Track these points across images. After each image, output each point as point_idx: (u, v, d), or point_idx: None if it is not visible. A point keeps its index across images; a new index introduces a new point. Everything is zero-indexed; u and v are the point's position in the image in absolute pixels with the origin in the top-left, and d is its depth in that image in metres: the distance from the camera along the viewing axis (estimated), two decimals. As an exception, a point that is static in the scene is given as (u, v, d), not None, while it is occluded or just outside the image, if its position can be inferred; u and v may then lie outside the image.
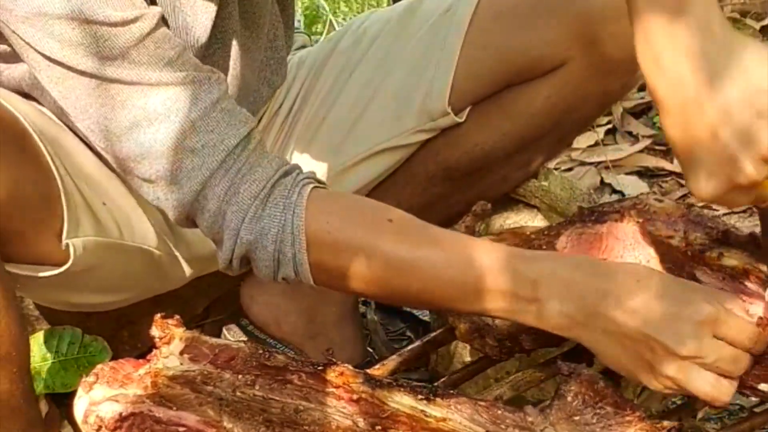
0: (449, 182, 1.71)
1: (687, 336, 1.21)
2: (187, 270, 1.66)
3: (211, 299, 1.95)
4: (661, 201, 1.55)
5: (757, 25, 2.82)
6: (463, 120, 1.67)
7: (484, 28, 1.65)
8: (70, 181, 1.43)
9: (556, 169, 2.44)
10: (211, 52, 1.49)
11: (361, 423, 1.24)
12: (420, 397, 1.26)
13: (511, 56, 1.64)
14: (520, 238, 1.56)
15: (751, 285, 1.44)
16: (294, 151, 1.74)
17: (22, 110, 1.41)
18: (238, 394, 1.25)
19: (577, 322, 1.26)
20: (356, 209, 1.39)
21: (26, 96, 1.53)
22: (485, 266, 1.29)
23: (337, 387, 1.26)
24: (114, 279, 1.57)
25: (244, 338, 1.78)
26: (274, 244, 1.34)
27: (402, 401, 1.25)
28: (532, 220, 1.81)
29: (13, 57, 1.42)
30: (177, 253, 1.63)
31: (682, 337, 1.21)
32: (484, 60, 1.65)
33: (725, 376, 1.23)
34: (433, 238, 1.33)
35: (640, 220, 1.52)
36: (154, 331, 1.28)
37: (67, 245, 1.41)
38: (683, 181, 2.40)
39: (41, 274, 1.41)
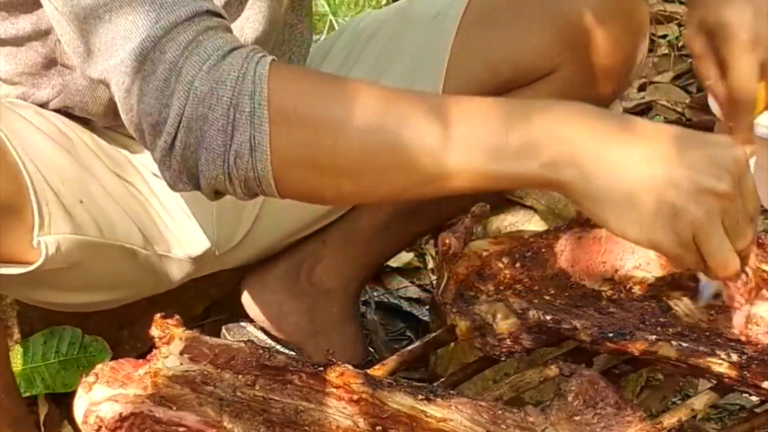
0: None
1: (720, 170, 1.14)
2: (179, 272, 1.65)
3: (211, 299, 1.95)
4: (660, 203, 1.55)
5: (757, 26, 2.82)
6: None
7: (472, 35, 1.64)
8: (40, 179, 1.40)
9: (556, 169, 2.44)
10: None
11: (362, 423, 1.24)
12: (420, 397, 1.26)
13: (500, 64, 1.63)
14: (519, 242, 1.56)
15: (752, 285, 1.44)
16: None
17: None
18: (239, 394, 1.25)
19: (587, 171, 1.14)
20: (320, 72, 1.31)
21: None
22: (475, 115, 1.17)
23: (338, 387, 1.26)
24: (98, 278, 1.55)
25: (244, 338, 1.78)
26: (232, 93, 1.18)
27: (402, 401, 1.25)
28: (528, 222, 1.81)
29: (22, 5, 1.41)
30: (169, 255, 1.62)
31: (717, 170, 1.14)
32: (472, 68, 1.64)
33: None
34: (416, 93, 1.22)
35: (640, 222, 1.53)
36: (154, 331, 1.28)
37: (39, 243, 1.38)
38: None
39: (3, 271, 1.38)
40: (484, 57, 1.63)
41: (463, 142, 1.16)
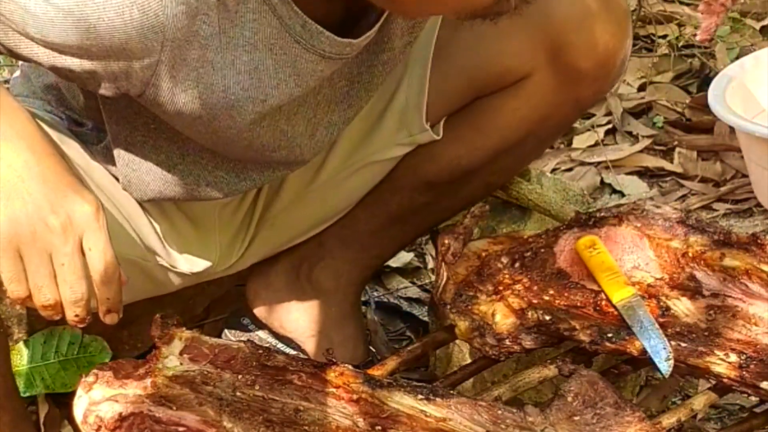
0: (433, 191, 1.71)
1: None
2: (178, 282, 1.65)
3: (211, 299, 1.95)
4: (659, 207, 1.55)
5: (758, 25, 2.82)
6: (440, 137, 1.66)
7: (447, 42, 1.63)
8: None
9: (555, 169, 2.45)
10: None
11: (361, 423, 1.25)
12: (420, 397, 1.26)
13: (475, 70, 1.62)
14: (518, 242, 1.56)
15: (752, 285, 1.44)
16: None
17: None
18: (238, 394, 1.25)
19: None
20: None
21: None
22: None
23: (337, 387, 1.26)
24: None
25: (245, 337, 1.79)
26: None
27: (402, 401, 1.25)
28: (524, 223, 1.81)
29: None
30: (172, 268, 1.62)
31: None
32: (448, 74, 1.63)
33: None
34: None
35: (639, 225, 1.53)
36: (154, 331, 1.28)
37: None
38: (683, 182, 2.40)
39: None
40: (459, 62, 1.62)
41: None
